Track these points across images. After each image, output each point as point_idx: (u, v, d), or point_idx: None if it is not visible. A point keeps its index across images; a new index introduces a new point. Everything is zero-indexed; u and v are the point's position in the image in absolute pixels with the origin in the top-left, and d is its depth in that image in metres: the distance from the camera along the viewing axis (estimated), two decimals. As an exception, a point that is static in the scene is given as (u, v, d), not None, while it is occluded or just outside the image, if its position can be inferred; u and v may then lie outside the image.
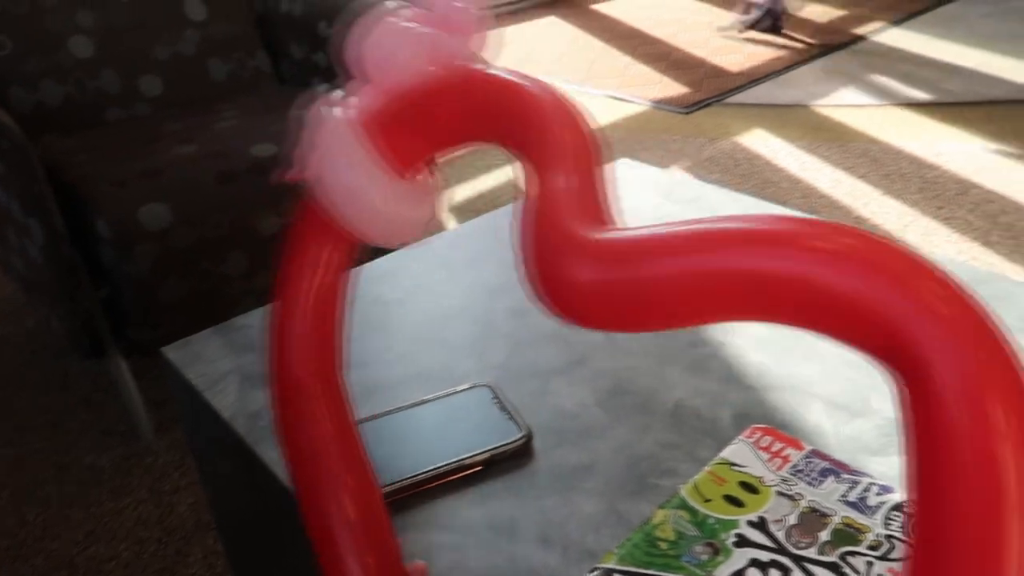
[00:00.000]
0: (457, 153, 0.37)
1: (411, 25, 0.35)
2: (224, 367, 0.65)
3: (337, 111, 0.36)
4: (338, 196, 0.36)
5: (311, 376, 0.39)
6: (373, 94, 0.36)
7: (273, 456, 0.54)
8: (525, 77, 0.35)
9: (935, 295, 0.21)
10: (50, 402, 1.58)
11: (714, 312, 0.26)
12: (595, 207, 0.29)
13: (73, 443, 1.48)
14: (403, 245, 0.37)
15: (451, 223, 2.02)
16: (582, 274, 0.27)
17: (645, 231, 0.27)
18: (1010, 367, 0.20)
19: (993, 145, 2.47)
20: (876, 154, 2.45)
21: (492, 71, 0.36)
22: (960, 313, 0.21)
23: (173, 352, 0.68)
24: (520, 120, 0.32)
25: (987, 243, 1.95)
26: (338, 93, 0.38)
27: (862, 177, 2.32)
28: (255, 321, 0.71)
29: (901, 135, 2.58)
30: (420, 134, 0.36)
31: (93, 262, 1.36)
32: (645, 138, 2.68)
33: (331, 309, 0.40)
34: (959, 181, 2.26)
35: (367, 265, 0.79)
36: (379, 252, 0.79)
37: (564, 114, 0.32)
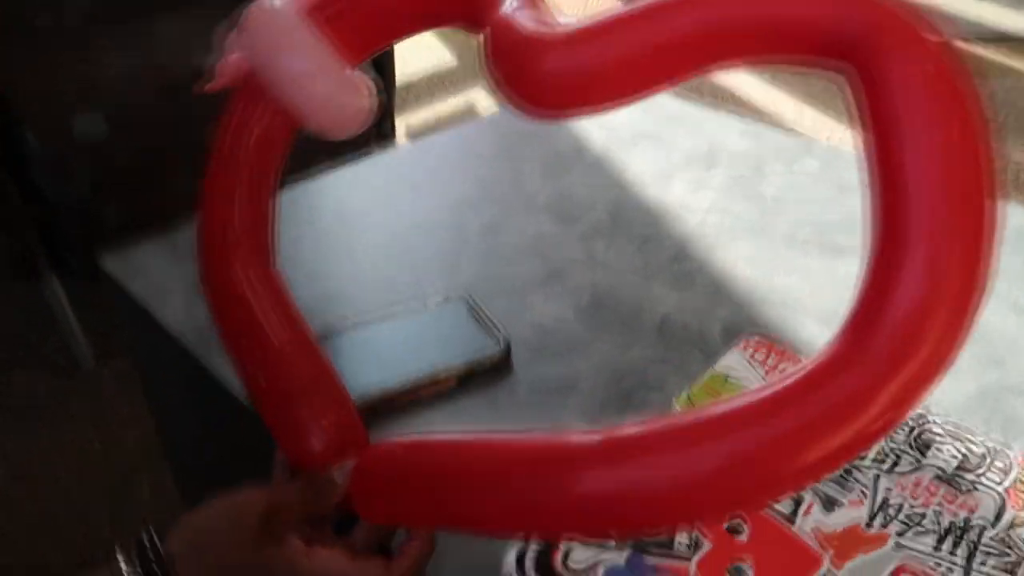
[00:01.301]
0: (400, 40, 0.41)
1: None
2: (169, 278, 0.59)
3: (278, 2, 0.37)
4: (283, 82, 0.36)
5: (241, 247, 0.39)
6: None
7: (225, 371, 0.50)
8: None
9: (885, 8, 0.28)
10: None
11: (683, 67, 0.29)
12: (546, 13, 0.32)
13: (3, 374, 1.40)
14: (344, 135, 0.38)
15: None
16: (554, 61, 0.30)
17: (599, 17, 0.30)
18: (937, 55, 0.27)
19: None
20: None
21: None
22: (899, 14, 0.28)
23: (113, 263, 0.62)
24: None
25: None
26: None
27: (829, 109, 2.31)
28: (203, 232, 0.65)
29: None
30: (363, 24, 0.38)
31: (25, 180, 1.27)
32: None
33: (268, 173, 0.40)
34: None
35: (325, 176, 0.73)
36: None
37: None
